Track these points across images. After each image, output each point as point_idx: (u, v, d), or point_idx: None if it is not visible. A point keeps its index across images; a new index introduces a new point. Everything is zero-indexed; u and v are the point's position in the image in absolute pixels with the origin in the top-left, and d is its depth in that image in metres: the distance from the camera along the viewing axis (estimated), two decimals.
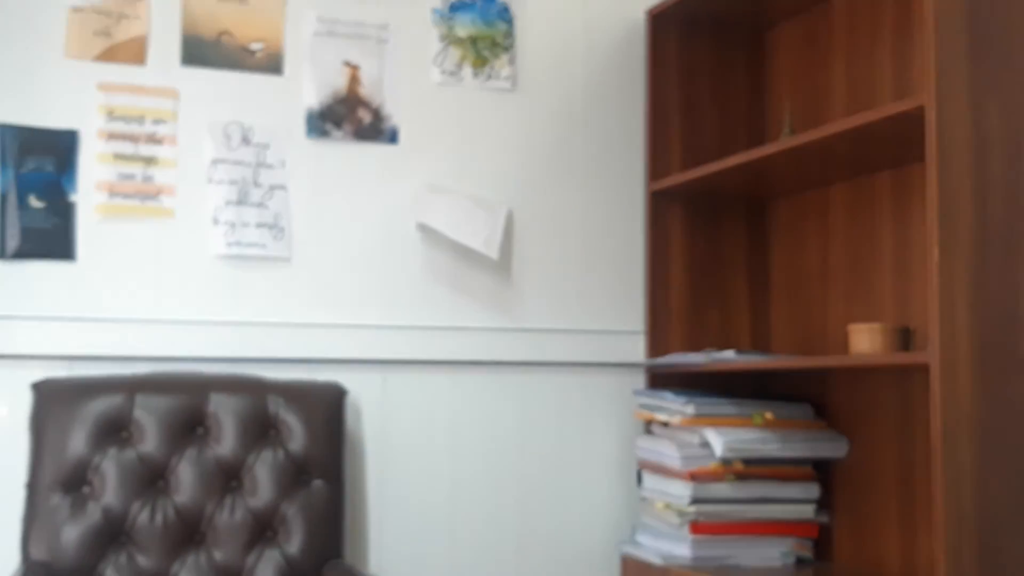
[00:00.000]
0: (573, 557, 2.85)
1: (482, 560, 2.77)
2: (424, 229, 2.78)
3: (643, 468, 2.77)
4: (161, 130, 2.59)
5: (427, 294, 2.78)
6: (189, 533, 2.34)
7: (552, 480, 2.85)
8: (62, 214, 2.50)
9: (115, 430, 2.34)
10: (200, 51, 2.64)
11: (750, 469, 2.59)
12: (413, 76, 2.82)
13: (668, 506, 2.62)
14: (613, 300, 2.93)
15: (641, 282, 2.94)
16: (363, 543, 2.67)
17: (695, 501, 2.55)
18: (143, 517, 2.32)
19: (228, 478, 2.40)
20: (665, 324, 2.89)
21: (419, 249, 2.79)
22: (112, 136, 2.55)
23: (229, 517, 2.37)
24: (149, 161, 2.57)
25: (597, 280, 2.93)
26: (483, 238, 2.75)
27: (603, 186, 2.96)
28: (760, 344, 2.95)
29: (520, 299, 2.86)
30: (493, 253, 2.75)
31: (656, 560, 2.61)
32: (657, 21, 2.96)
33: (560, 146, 2.93)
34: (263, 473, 2.41)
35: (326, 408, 2.52)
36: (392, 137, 2.79)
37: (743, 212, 2.98)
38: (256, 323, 2.63)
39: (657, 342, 2.88)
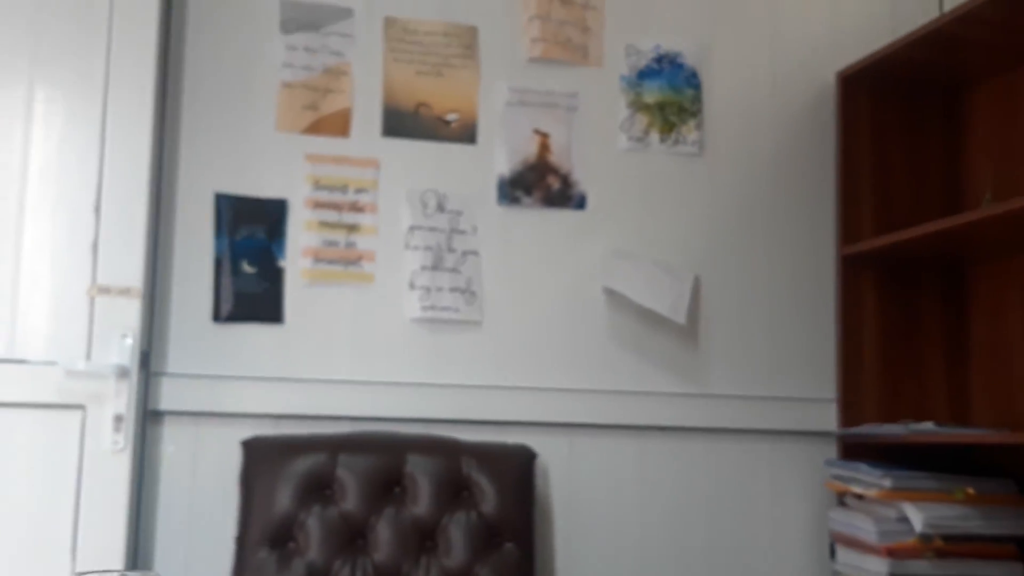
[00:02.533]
0: None
1: None
2: (610, 293, 2.81)
3: (836, 541, 2.70)
4: (363, 198, 2.70)
5: (613, 358, 2.80)
6: None
7: (741, 550, 2.81)
8: (271, 279, 2.63)
9: (319, 488, 2.44)
10: (399, 122, 2.75)
11: (951, 546, 2.50)
12: (601, 143, 2.87)
13: None
14: (803, 367, 2.89)
15: (832, 349, 2.89)
16: None
17: None
18: (344, 574, 2.39)
19: (423, 538, 2.46)
20: (858, 392, 2.83)
21: (605, 313, 2.81)
22: (318, 205, 2.67)
23: None
24: (352, 228, 2.69)
25: (786, 346, 2.90)
26: (669, 303, 2.76)
27: (792, 251, 2.93)
28: (958, 416, 2.85)
29: (707, 364, 2.85)
30: (680, 318, 2.76)
31: None
32: (847, 83, 2.93)
33: (748, 210, 2.92)
34: (456, 534, 2.46)
35: (517, 470, 2.56)
36: (580, 203, 2.83)
37: (939, 278, 2.90)
38: (449, 385, 2.70)
39: (849, 411, 2.82)
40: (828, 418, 2.85)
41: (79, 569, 2.22)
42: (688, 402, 2.81)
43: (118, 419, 2.38)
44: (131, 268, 2.41)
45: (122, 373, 2.39)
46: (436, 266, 2.73)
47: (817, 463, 2.85)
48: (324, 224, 2.67)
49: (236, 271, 2.61)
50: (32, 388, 2.37)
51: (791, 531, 2.84)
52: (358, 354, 2.67)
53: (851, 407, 2.82)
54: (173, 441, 2.55)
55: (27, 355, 2.38)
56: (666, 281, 2.79)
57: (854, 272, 2.87)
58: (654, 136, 2.90)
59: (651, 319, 2.81)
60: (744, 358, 2.87)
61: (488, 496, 2.50)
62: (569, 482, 2.74)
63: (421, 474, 2.49)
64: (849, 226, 2.88)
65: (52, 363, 2.37)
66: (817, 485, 2.85)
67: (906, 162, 2.94)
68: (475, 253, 2.75)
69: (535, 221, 2.80)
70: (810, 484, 2.85)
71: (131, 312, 2.41)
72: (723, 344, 2.86)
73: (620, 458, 2.78)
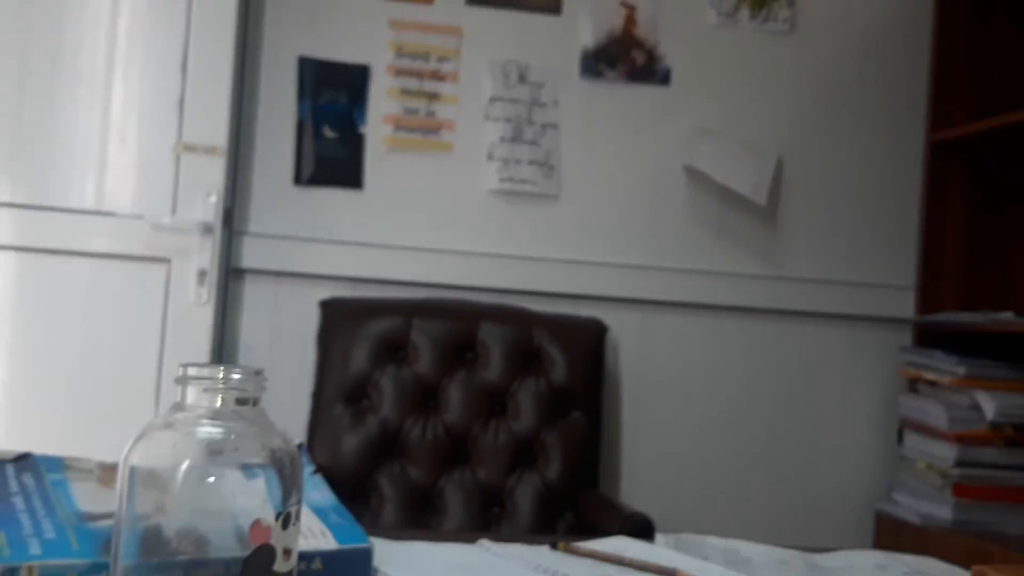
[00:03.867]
0: (825, 510, 2.82)
1: (733, 502, 2.79)
2: (692, 172, 2.78)
3: (905, 426, 2.70)
4: (445, 67, 2.70)
5: (691, 237, 2.79)
6: (456, 451, 2.47)
7: (808, 432, 2.83)
8: (352, 145, 2.65)
9: (393, 349, 2.49)
10: None
11: (1021, 436, 2.49)
12: (689, 17, 2.81)
13: (930, 467, 2.55)
14: (882, 253, 2.85)
15: (914, 236, 2.84)
16: (616, 475, 2.74)
17: (960, 464, 2.48)
18: (415, 432, 2.46)
19: (493, 403, 2.51)
20: (937, 281, 2.79)
21: (685, 191, 2.79)
22: (400, 72, 2.67)
23: (493, 439, 2.49)
24: (432, 97, 2.69)
25: (866, 231, 2.86)
26: (751, 183, 2.73)
27: (879, 134, 2.87)
28: None
29: (785, 247, 2.83)
30: (761, 199, 2.73)
31: (914, 519, 2.56)
32: None
33: (836, 92, 2.86)
34: (526, 401, 2.51)
35: (587, 343, 2.59)
36: (664, 79, 2.79)
37: None
38: (523, 257, 2.72)
39: (927, 299, 2.78)
40: (905, 305, 2.83)
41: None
42: (764, 283, 2.80)
43: (202, 274, 2.45)
44: (216, 127, 2.45)
45: (206, 229, 2.45)
46: (515, 138, 2.73)
47: (891, 350, 2.83)
48: (405, 92, 2.68)
49: (318, 135, 2.63)
50: (120, 240, 2.44)
51: (860, 416, 2.84)
52: (435, 222, 2.70)
53: (929, 295, 2.78)
54: (254, 298, 2.62)
55: (115, 208, 2.45)
56: (749, 161, 2.75)
57: (943, 159, 2.80)
58: (744, 12, 2.84)
59: (731, 199, 2.79)
60: (823, 241, 2.84)
61: (558, 365, 2.53)
62: (639, 357, 2.77)
63: (493, 341, 2.53)
64: (940, 112, 2.80)
65: (139, 217, 2.45)
66: (889, 372, 2.83)
67: (1006, 47, 2.83)
68: (555, 126, 2.74)
69: (618, 95, 2.77)
70: (882, 370, 2.84)
71: (215, 170, 2.45)
72: (803, 226, 2.83)
73: (692, 336, 2.79)
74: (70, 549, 0.93)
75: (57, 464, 1.08)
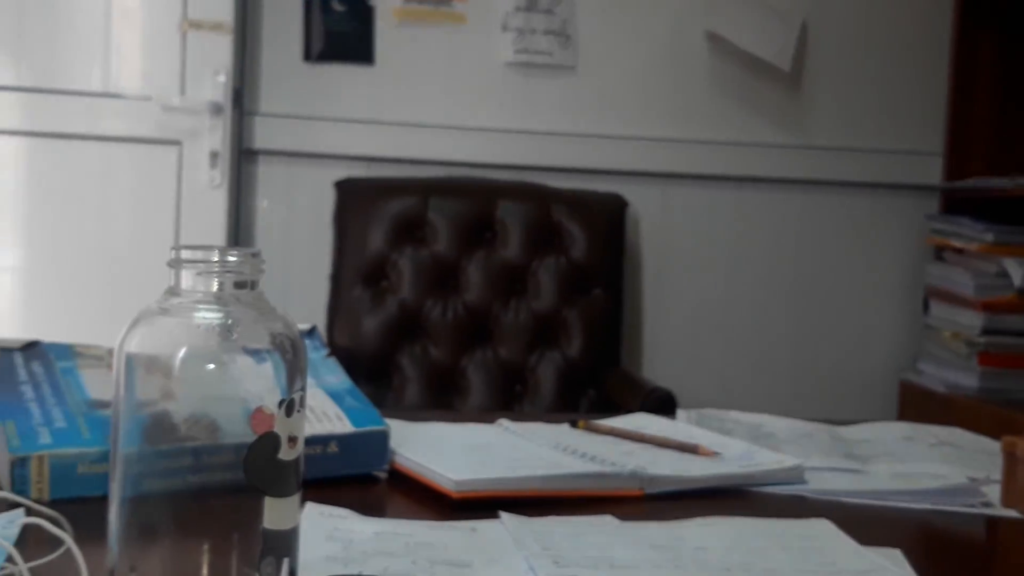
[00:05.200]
0: (850, 380, 2.81)
1: (755, 377, 2.78)
2: (713, 38, 2.69)
3: (931, 295, 2.67)
4: None
5: (713, 106, 2.72)
6: (477, 330, 2.46)
7: (832, 302, 2.80)
8: (362, 18, 2.57)
9: (410, 229, 2.46)
10: None
11: None
12: None
13: (956, 335, 2.53)
14: (909, 118, 2.78)
15: (942, 101, 2.76)
16: (638, 351, 2.73)
17: (986, 332, 2.45)
18: (435, 312, 2.45)
19: (513, 281, 2.49)
20: (966, 147, 2.71)
21: (707, 59, 2.71)
22: None
23: (514, 318, 2.47)
24: None
25: (893, 96, 2.77)
26: (775, 48, 2.65)
27: None
28: None
29: (810, 114, 2.75)
30: (785, 64, 2.65)
31: (939, 388, 2.54)
32: None
33: None
34: (546, 278, 2.49)
35: (607, 218, 2.55)
36: None
37: None
38: (540, 132, 2.66)
39: (955, 165, 2.71)
40: (932, 172, 2.76)
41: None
42: (788, 153, 2.74)
43: (214, 155, 2.41)
44: (222, 2, 2.38)
45: (216, 110, 2.40)
46: (530, 7, 2.64)
47: (917, 217, 2.77)
48: None
49: (326, 8, 2.55)
50: (129, 122, 2.40)
51: (885, 286, 2.81)
52: (450, 98, 2.63)
53: (957, 161, 2.71)
54: (268, 180, 2.58)
55: (122, 90, 2.40)
56: (772, 25, 2.66)
57: (972, 19, 2.70)
58: None
59: (754, 65, 2.70)
60: (848, 108, 2.76)
61: (578, 242, 2.50)
62: (661, 232, 2.72)
63: (511, 219, 2.49)
64: None
65: (147, 98, 2.39)
66: (915, 240, 2.78)
67: None
68: None
69: None
70: (908, 239, 2.79)
71: (223, 48, 2.39)
72: (827, 92, 2.75)
73: (714, 209, 2.74)
74: (80, 437, 0.92)
75: (66, 351, 1.06)
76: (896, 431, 1.29)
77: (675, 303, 2.74)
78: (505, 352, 2.46)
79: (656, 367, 2.73)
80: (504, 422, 1.18)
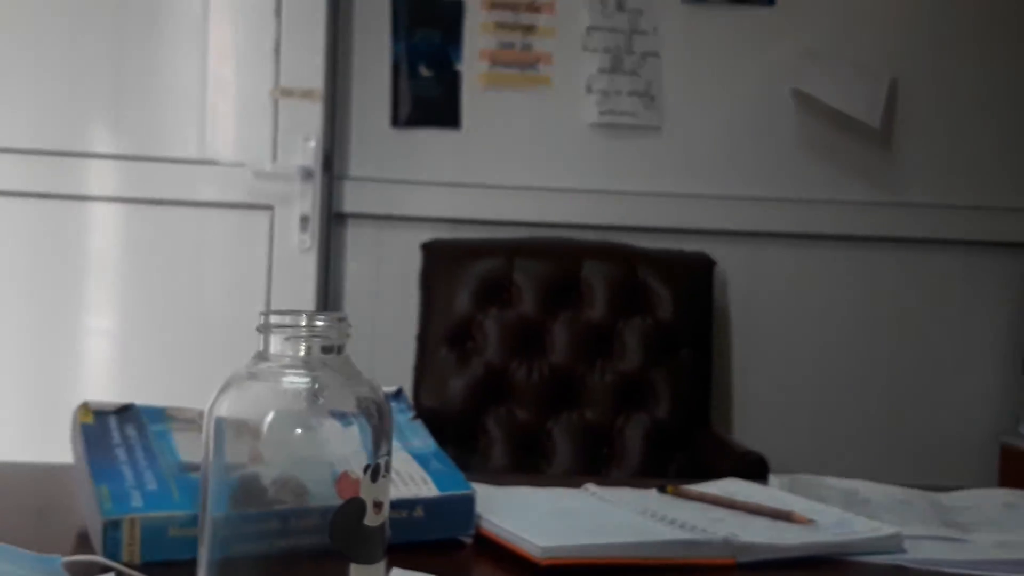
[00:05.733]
0: (948, 444, 2.72)
1: (849, 440, 2.71)
2: (800, 96, 2.67)
3: None
4: None
5: (801, 164, 2.69)
6: (563, 392, 2.45)
7: (928, 364, 2.72)
8: (448, 83, 2.61)
9: (496, 290, 2.47)
10: None
11: None
12: None
13: None
14: (1006, 174, 2.71)
15: None
16: (728, 414, 2.69)
17: None
18: (521, 374, 2.44)
19: (599, 342, 2.47)
20: None
21: (794, 117, 2.69)
22: (494, 5, 2.61)
23: (600, 380, 2.45)
24: (528, 30, 2.62)
25: (986, 150, 2.71)
26: (864, 105, 2.62)
27: (998, 51, 2.71)
28: None
29: (901, 171, 2.71)
30: (875, 121, 2.61)
31: None
32: None
33: (950, 8, 2.70)
34: (632, 339, 2.47)
35: (694, 278, 2.53)
36: None
37: None
38: (626, 192, 2.66)
39: None
40: None
41: None
42: (878, 211, 2.69)
43: (304, 219, 2.45)
44: (312, 70, 2.44)
45: (306, 174, 2.44)
46: (615, 69, 2.65)
47: (1015, 275, 2.70)
48: (500, 25, 2.62)
49: (413, 74, 2.60)
50: (223, 188, 2.46)
51: (982, 346, 2.72)
52: (535, 159, 2.65)
53: None
54: (356, 243, 2.62)
55: (216, 156, 2.46)
56: (860, 82, 2.63)
57: None
58: None
59: (843, 122, 2.67)
60: (940, 164, 2.71)
61: (664, 302, 2.48)
62: (749, 291, 2.69)
63: (597, 279, 2.49)
64: None
65: (240, 164, 2.45)
66: (1013, 298, 2.70)
67: None
68: (655, 55, 2.66)
69: (721, 19, 2.67)
70: (1006, 296, 2.71)
71: (313, 114, 2.44)
72: (919, 149, 2.70)
73: (804, 268, 2.70)
74: (171, 500, 0.93)
75: (159, 414, 1.08)
76: (998, 498, 1.24)
77: (766, 364, 2.70)
78: (591, 414, 2.44)
79: (747, 430, 2.67)
80: (591, 487, 1.17)
